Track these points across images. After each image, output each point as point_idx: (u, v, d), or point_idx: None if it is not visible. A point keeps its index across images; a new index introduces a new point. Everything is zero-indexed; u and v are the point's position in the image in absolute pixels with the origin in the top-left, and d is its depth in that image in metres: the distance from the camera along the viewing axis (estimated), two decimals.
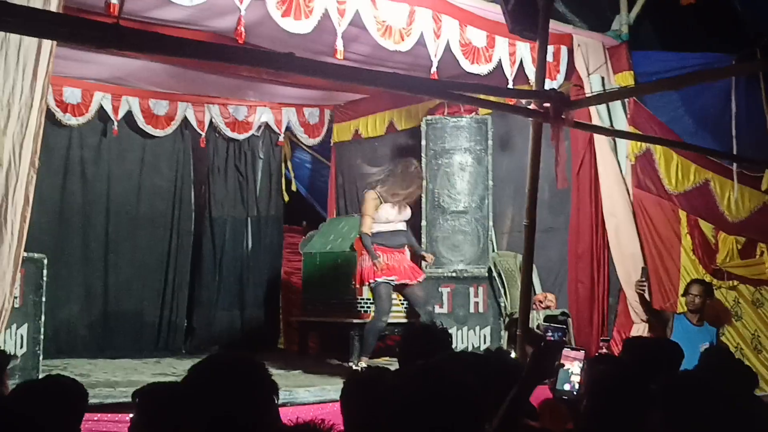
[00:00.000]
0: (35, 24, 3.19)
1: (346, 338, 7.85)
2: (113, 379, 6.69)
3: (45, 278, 6.15)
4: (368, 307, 7.98)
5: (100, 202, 8.97)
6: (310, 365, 7.70)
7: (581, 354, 4.77)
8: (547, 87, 5.51)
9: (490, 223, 7.96)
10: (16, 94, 4.85)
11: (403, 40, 6.30)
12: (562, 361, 4.81)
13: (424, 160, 8.01)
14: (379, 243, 7.03)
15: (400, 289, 7.14)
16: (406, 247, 7.25)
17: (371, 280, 6.96)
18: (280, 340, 9.84)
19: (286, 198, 10.13)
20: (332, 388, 6.08)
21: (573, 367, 4.68)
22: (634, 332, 6.91)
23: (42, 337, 6.11)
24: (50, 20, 3.30)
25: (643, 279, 6.86)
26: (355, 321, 7.92)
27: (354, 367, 6.87)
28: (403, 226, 7.24)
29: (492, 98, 5.54)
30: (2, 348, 4.65)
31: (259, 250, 9.91)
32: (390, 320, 7.90)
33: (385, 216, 7.11)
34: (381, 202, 7.11)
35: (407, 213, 7.28)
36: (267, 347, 9.32)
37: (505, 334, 7.54)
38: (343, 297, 8.17)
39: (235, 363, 2.65)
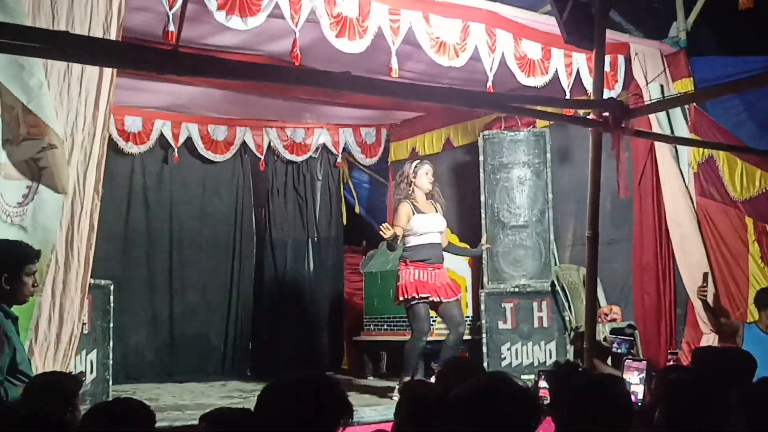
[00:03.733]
0: (97, 53, 3.25)
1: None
2: (181, 402, 6.76)
3: (112, 304, 6.26)
4: (431, 325, 7.94)
5: (163, 228, 9.10)
6: (374, 384, 7.69)
7: (643, 365, 4.70)
8: (605, 97, 5.46)
9: (552, 237, 7.88)
10: (79, 124, 4.95)
11: (457, 55, 6.29)
12: (624, 372, 4.74)
13: (482, 175, 7.97)
14: (414, 260, 6.85)
15: (435, 306, 6.88)
16: (443, 263, 7.00)
17: (407, 297, 6.75)
18: (344, 360, 9.85)
19: (345, 219, 10.17)
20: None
21: (632, 377, 4.62)
22: (703, 343, 6.76)
23: (111, 362, 6.21)
24: (111, 49, 3.37)
25: (705, 284, 6.70)
26: None
27: (398, 388, 6.74)
28: (437, 238, 6.99)
29: (550, 109, 5.50)
30: (73, 373, 4.73)
31: (320, 271, 9.94)
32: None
33: (418, 227, 6.87)
34: (414, 213, 6.92)
35: (441, 223, 7.04)
36: (331, 368, 9.35)
37: (570, 349, 7.44)
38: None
39: (310, 383, 2.65)
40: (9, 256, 4.14)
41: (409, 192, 7.00)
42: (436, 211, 7.08)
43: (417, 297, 6.73)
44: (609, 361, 6.07)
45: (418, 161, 7.15)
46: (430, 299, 6.77)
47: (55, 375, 4.05)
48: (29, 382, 3.89)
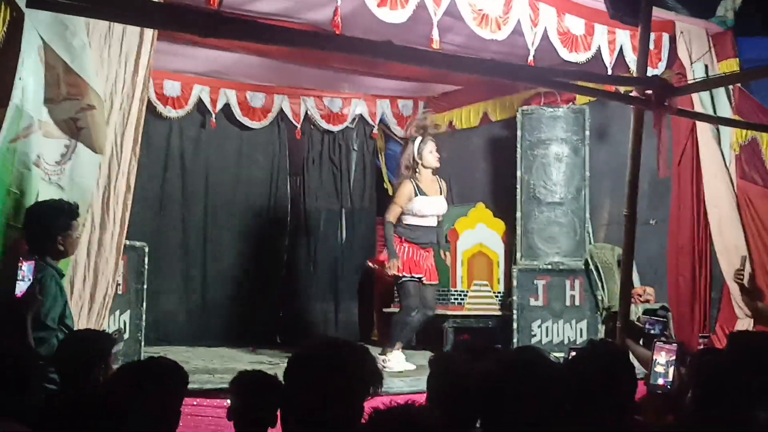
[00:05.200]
0: (141, 13, 3.24)
1: (438, 330, 7.84)
2: (211, 366, 6.82)
3: (146, 266, 6.30)
4: (462, 299, 7.95)
5: (199, 193, 9.12)
6: None
7: (674, 347, 4.64)
8: (648, 75, 5.38)
9: (587, 215, 7.81)
10: (119, 86, 4.99)
11: (499, 29, 6.22)
12: (654, 354, 4.68)
13: (519, 151, 7.91)
14: (409, 238, 6.96)
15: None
16: (432, 247, 7.15)
17: (398, 275, 6.90)
18: (374, 332, 9.86)
19: (378, 190, 10.13)
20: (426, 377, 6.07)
21: (661, 359, 4.57)
22: (737, 327, 6.68)
23: (143, 324, 6.26)
24: (155, 9, 3.36)
25: (742, 268, 6.62)
26: (448, 313, 7.91)
27: (383, 357, 6.78)
28: (434, 222, 7.13)
29: (593, 86, 5.43)
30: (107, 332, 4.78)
31: (352, 241, 9.93)
32: (483, 313, 7.89)
33: (419, 209, 7.00)
34: (416, 194, 7.00)
35: (443, 207, 7.18)
36: (361, 338, 9.36)
37: (602, 328, 7.40)
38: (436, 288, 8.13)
39: (339, 350, 2.63)
40: (60, 217, 4.26)
41: (415, 172, 7.03)
42: (440, 192, 7.13)
43: (408, 276, 6.79)
44: (641, 342, 6.03)
45: (421, 139, 7.12)
46: (421, 279, 6.95)
47: (89, 333, 4.10)
48: (63, 339, 3.96)
